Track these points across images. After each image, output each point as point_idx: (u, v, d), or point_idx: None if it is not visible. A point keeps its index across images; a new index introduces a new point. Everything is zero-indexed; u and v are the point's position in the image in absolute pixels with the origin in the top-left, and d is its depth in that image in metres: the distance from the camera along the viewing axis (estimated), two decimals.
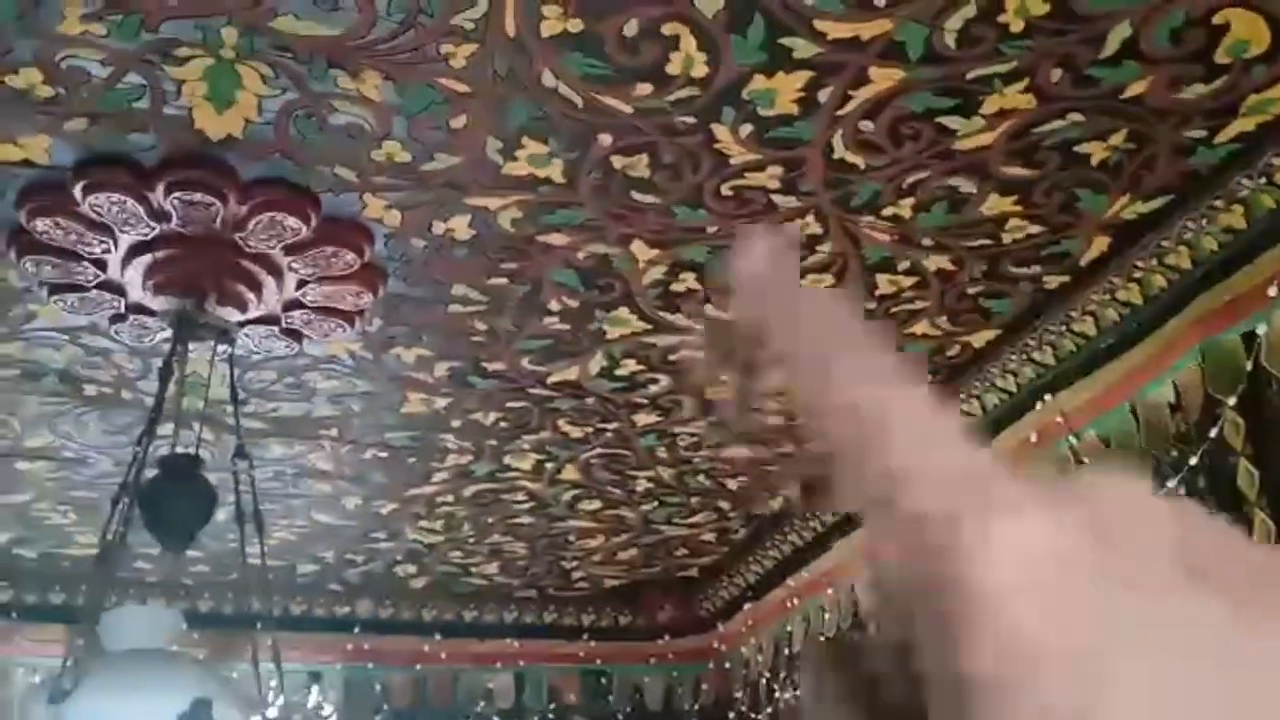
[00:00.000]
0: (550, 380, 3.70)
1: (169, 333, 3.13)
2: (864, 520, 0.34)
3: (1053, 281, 3.18)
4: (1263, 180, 2.73)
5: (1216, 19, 2.28)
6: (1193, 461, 2.97)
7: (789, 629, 5.07)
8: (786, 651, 5.08)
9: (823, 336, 0.38)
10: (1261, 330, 2.79)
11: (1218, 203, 2.81)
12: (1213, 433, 2.91)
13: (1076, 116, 2.56)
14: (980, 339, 3.49)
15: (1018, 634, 0.30)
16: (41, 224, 2.79)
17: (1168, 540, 0.33)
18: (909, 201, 2.83)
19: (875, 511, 0.34)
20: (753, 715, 5.41)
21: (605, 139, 2.59)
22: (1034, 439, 3.50)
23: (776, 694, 5.16)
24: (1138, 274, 3.06)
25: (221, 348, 3.22)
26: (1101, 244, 3.02)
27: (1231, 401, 2.85)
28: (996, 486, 0.33)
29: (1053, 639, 0.30)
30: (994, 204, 2.85)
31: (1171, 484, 3.04)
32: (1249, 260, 2.83)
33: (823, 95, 2.47)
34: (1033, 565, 0.31)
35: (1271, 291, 2.75)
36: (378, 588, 5.68)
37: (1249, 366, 2.82)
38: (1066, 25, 2.28)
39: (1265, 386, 2.83)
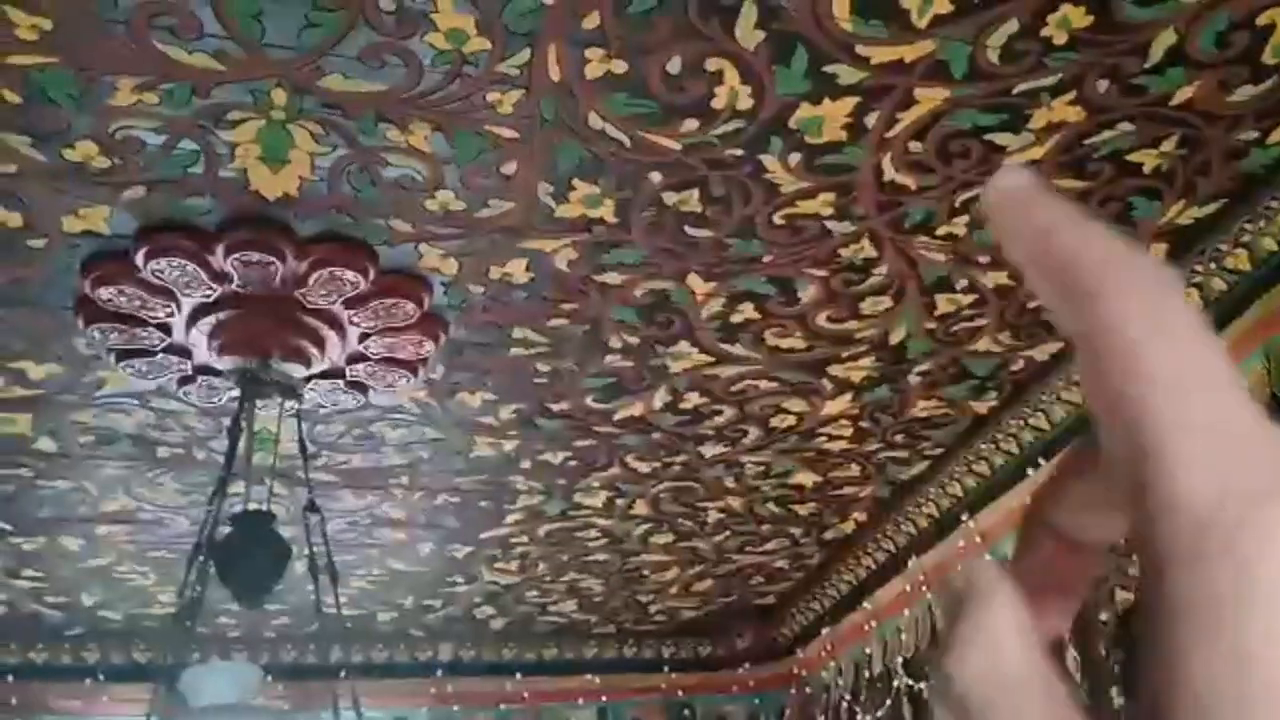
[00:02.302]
0: (616, 417, 3.71)
1: (236, 392, 3.17)
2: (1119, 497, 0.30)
3: None
4: None
5: (1261, 20, 2.27)
6: None
7: (868, 651, 5.04)
8: (867, 674, 5.05)
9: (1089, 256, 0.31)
10: None
11: (1274, 203, 2.79)
12: None
13: (1126, 126, 2.55)
14: (1043, 352, 3.47)
15: None
16: (105, 292, 2.83)
17: None
18: (962, 219, 2.82)
19: (1131, 496, 0.29)
20: None
21: (655, 176, 2.61)
22: None
23: (859, 716, 5.13)
24: (1196, 279, 3.03)
25: (289, 404, 3.25)
26: (1158, 251, 2.99)
27: None
28: (1269, 460, 0.28)
29: None
30: None
31: None
32: None
33: (870, 119, 2.47)
34: None
35: None
36: (458, 631, 5.71)
37: None
38: (1111, 35, 2.28)
39: None
